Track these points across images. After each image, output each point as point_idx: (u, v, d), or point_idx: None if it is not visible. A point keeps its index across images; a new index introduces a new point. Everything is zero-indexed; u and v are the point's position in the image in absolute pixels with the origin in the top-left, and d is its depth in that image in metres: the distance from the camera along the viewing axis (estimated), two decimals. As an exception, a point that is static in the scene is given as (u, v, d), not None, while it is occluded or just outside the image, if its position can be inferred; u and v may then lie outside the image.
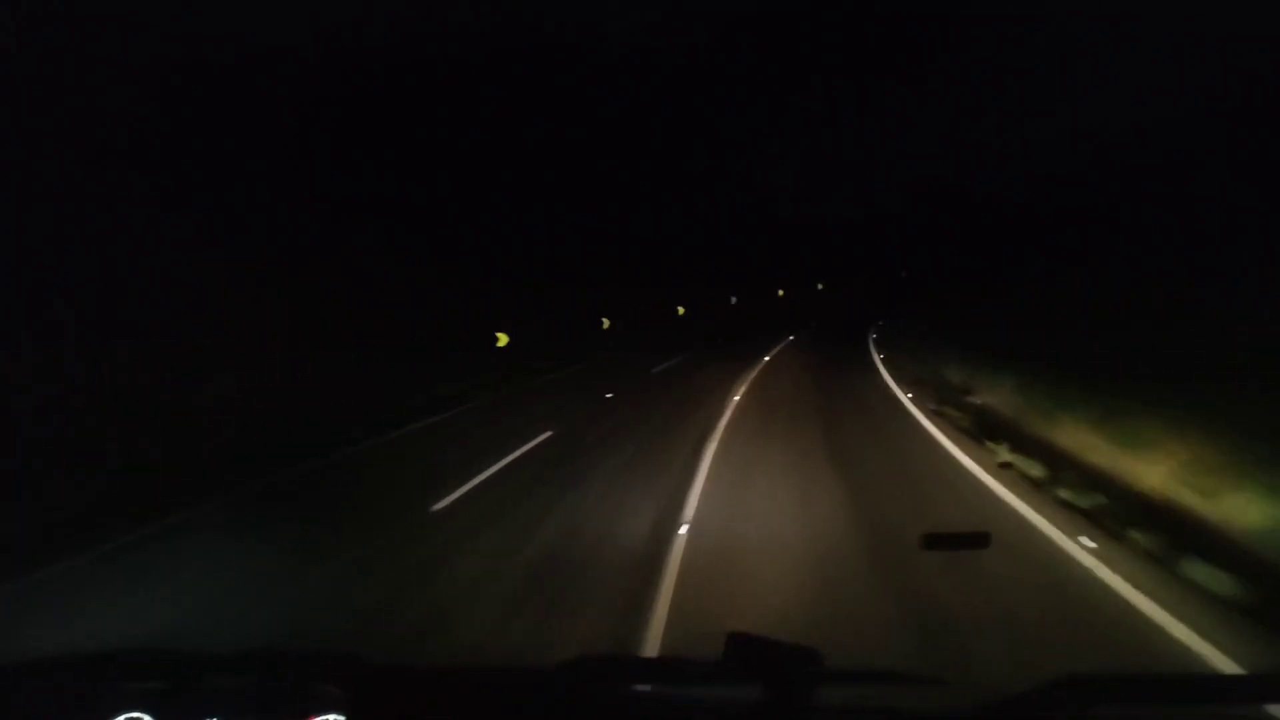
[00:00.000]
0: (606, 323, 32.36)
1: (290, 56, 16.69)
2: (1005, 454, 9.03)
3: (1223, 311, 11.80)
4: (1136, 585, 5.06)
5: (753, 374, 18.60)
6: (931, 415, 12.09)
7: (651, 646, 4.51)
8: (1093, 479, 7.63)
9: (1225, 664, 4.07)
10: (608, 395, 16.01)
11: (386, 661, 1.72)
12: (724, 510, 7.31)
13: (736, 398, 14.86)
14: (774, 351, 24.91)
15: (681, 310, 42.63)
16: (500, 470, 9.40)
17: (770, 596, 5.13)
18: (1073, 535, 6.11)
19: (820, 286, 73.90)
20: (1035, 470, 8.20)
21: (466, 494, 8.29)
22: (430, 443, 12.01)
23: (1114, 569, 5.35)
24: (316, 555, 6.50)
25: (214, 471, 9.55)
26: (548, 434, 11.60)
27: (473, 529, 7.08)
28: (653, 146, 42.36)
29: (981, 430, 10.61)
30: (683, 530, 6.60)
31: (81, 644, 3.53)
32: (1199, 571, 5.21)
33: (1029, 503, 7.14)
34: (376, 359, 16.41)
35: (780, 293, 63.36)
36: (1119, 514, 6.48)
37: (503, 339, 22.76)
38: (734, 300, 52.47)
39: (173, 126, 14.37)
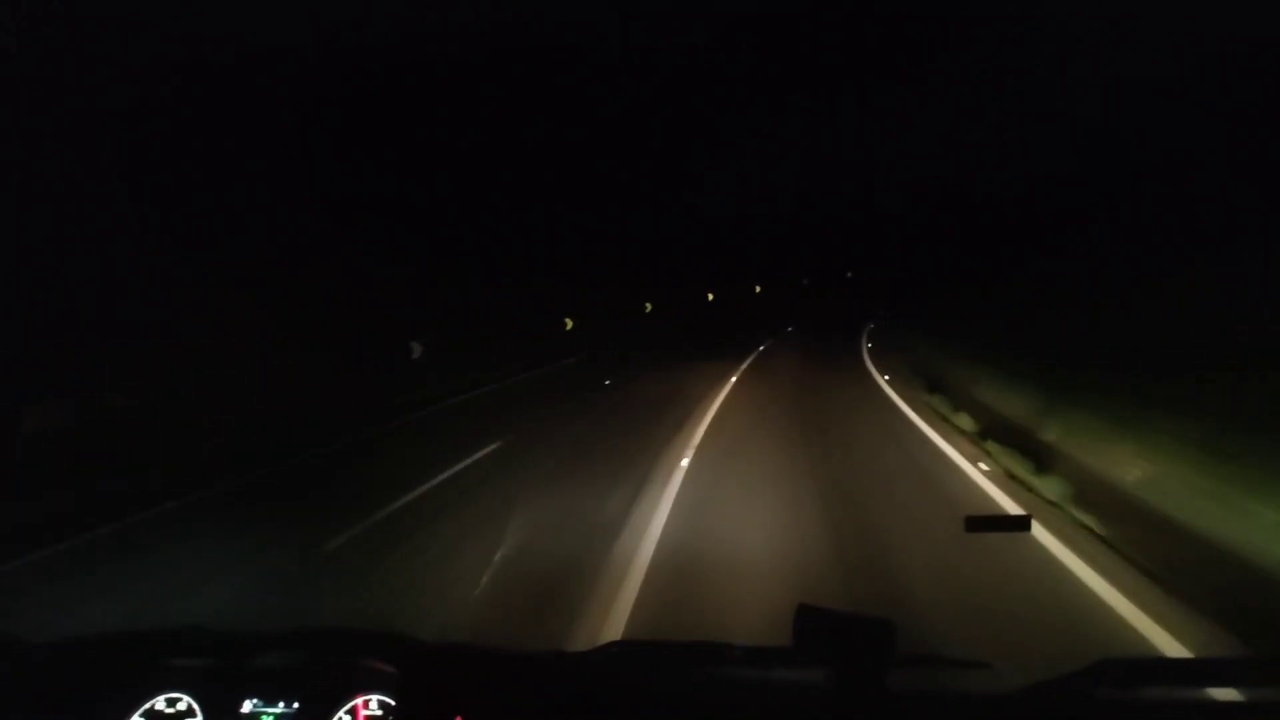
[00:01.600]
0: (418, 349, 19.03)
1: (282, 57, 16.64)
2: None
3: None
4: None
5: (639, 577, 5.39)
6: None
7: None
8: None
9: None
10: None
11: (433, 641, 1.67)
12: None
13: None
14: (706, 424, 11.57)
15: (569, 323, 29.38)
16: None
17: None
18: None
19: (758, 289, 62.08)
20: None
21: None
22: None
23: None
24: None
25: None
26: None
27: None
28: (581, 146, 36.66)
29: None
30: None
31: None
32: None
33: None
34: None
35: (710, 296, 50.65)
36: None
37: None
38: (649, 308, 39.40)
39: (171, 127, 14.45)
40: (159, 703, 1.66)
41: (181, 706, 1.66)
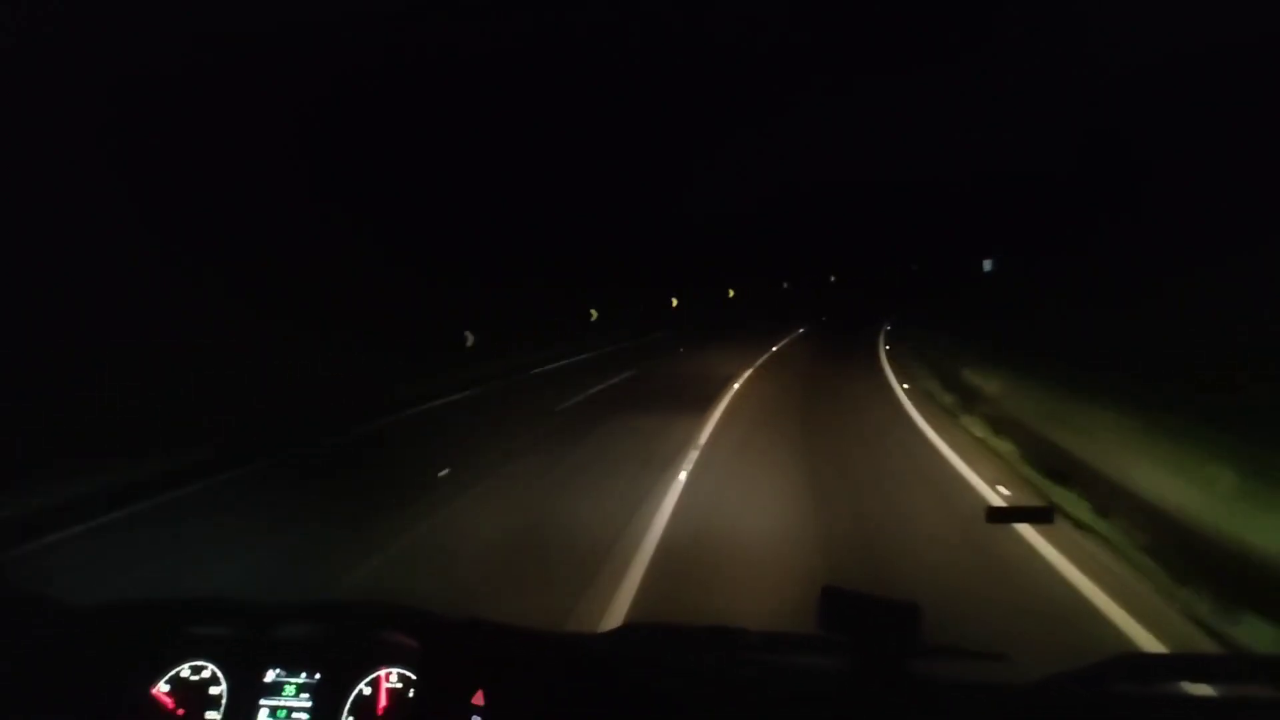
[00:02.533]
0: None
1: (280, 54, 16.75)
2: None
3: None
4: None
5: None
6: None
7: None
8: None
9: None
10: None
11: (455, 616, 1.65)
12: None
13: None
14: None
15: (470, 340, 20.83)
16: None
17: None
18: None
19: (731, 293, 53.85)
20: None
21: None
22: None
23: None
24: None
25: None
26: None
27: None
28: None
29: None
30: None
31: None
32: None
33: None
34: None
35: (674, 301, 42.44)
36: None
37: None
38: (594, 315, 30.92)
39: (169, 126, 14.63)
40: (183, 670, 1.68)
41: (206, 674, 1.68)
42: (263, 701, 1.64)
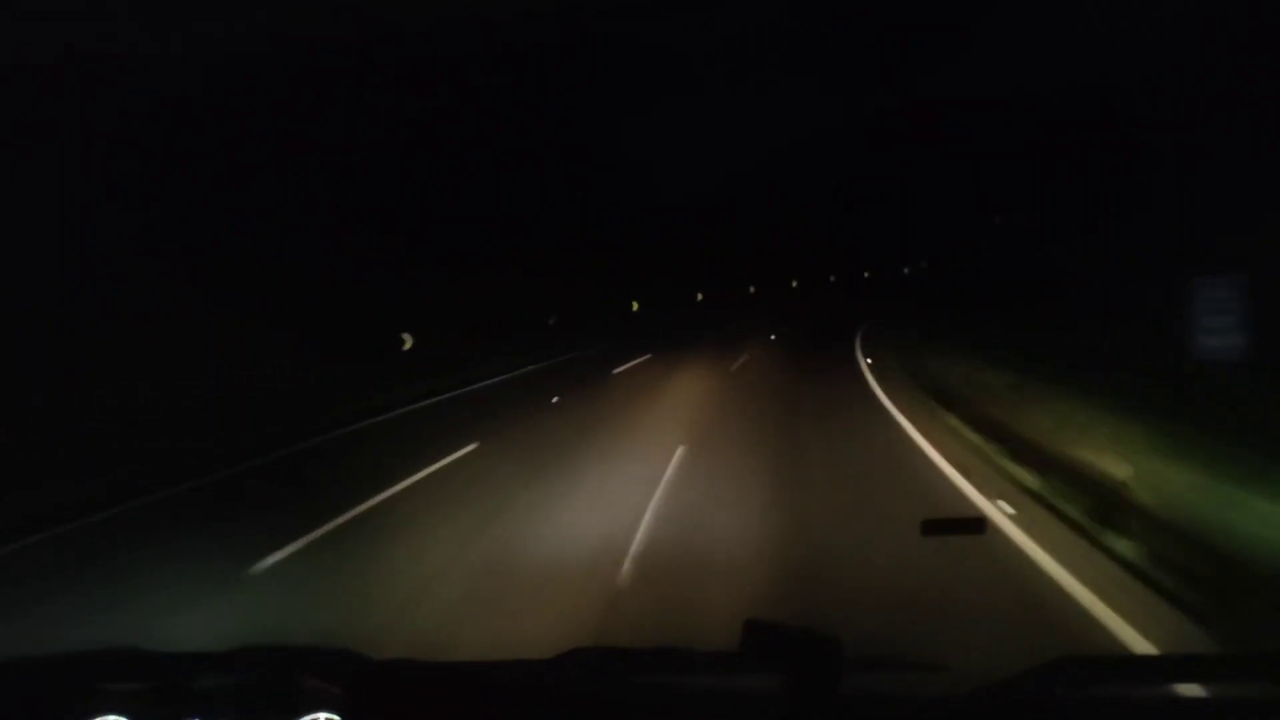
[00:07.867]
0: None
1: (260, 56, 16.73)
2: None
3: None
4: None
5: None
6: None
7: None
8: None
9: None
10: None
11: (382, 658, 1.60)
12: None
13: None
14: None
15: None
16: None
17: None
18: None
19: (551, 322, 25.88)
20: None
21: None
22: None
23: None
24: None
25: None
26: None
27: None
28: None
29: None
30: None
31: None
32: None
33: None
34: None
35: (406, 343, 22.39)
36: None
37: None
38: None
39: (150, 138, 14.68)
40: None
41: None
42: None
